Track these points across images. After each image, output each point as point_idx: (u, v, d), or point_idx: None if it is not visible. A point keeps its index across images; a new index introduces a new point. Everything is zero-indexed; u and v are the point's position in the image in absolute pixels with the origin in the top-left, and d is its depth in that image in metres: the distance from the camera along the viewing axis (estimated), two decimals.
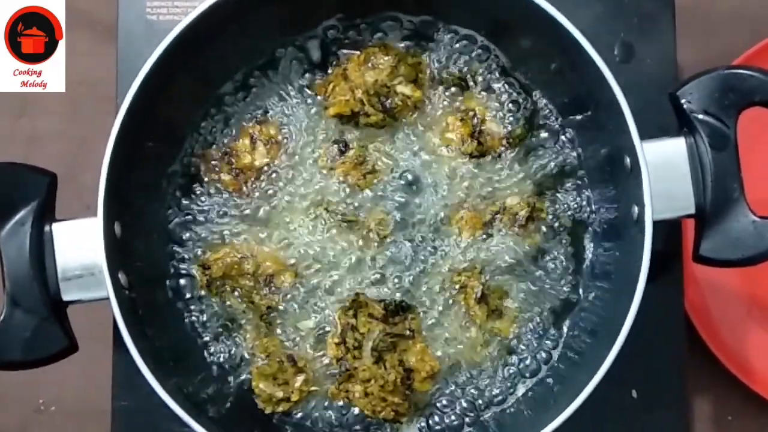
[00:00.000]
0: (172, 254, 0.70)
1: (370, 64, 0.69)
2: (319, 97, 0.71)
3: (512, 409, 0.69)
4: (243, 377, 0.69)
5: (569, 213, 0.71)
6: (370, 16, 0.72)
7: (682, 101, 0.63)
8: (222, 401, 0.68)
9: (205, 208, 0.71)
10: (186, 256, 0.70)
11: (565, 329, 0.70)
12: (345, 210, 0.70)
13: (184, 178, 0.71)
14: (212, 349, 0.70)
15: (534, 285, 0.70)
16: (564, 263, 0.71)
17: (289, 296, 0.69)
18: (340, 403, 0.69)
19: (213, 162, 0.71)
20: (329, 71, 0.72)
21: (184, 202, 0.71)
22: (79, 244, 0.62)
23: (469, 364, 0.70)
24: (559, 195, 0.71)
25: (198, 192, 0.71)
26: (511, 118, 0.72)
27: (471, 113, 0.71)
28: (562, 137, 0.72)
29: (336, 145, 0.71)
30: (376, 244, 0.69)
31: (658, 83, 0.72)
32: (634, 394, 0.72)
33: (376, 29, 0.72)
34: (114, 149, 0.61)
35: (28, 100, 0.86)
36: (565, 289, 0.71)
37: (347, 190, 0.70)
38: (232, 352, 0.70)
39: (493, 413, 0.69)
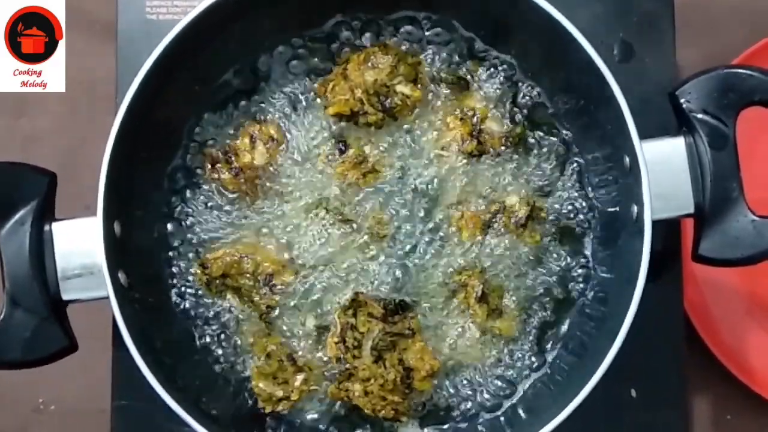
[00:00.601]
0: (171, 253, 0.70)
1: (369, 64, 0.69)
2: (318, 98, 0.71)
3: (512, 409, 0.69)
4: (243, 376, 0.70)
5: (569, 212, 0.71)
6: (371, 16, 0.72)
7: (682, 101, 0.63)
8: (222, 400, 0.68)
9: (205, 207, 0.71)
10: (186, 255, 0.70)
11: (564, 328, 0.70)
12: (344, 209, 0.70)
13: (183, 177, 0.71)
14: (212, 349, 0.70)
15: (534, 284, 0.70)
16: (563, 262, 0.71)
17: (288, 295, 0.69)
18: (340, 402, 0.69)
19: (213, 161, 0.71)
20: (329, 71, 0.72)
21: (184, 201, 0.71)
22: (79, 244, 0.62)
23: (468, 363, 0.70)
24: (558, 194, 0.71)
25: (198, 191, 0.71)
26: (510, 118, 0.72)
27: (470, 112, 0.71)
28: (562, 136, 0.72)
29: (336, 145, 0.71)
30: (375, 243, 0.69)
31: (657, 83, 0.73)
32: (634, 393, 0.72)
33: (376, 29, 0.72)
34: (113, 149, 0.61)
35: (28, 100, 0.86)
36: (564, 288, 0.71)
37: (347, 189, 0.70)
38: (232, 351, 0.70)
39: (492, 413, 0.69)
